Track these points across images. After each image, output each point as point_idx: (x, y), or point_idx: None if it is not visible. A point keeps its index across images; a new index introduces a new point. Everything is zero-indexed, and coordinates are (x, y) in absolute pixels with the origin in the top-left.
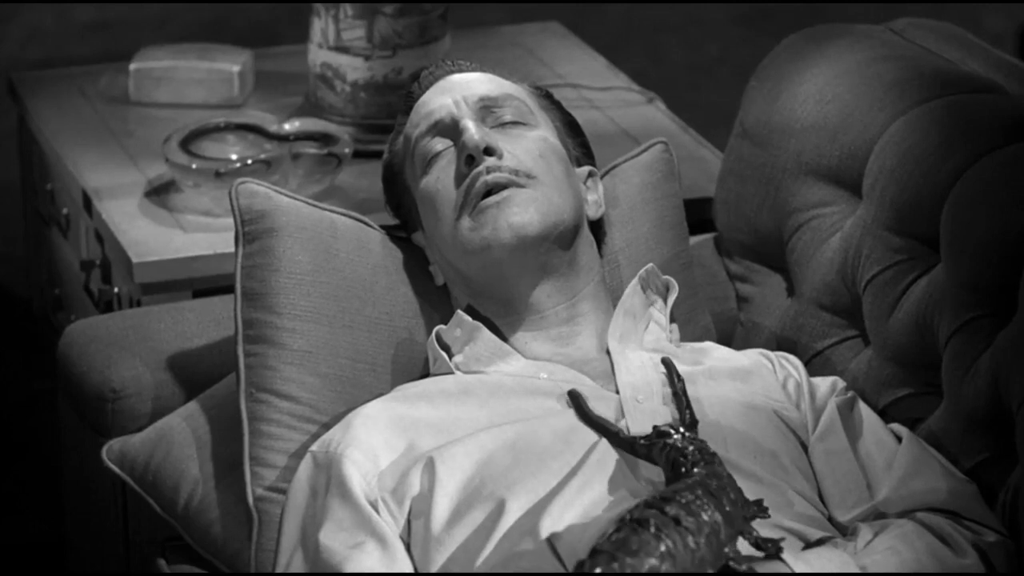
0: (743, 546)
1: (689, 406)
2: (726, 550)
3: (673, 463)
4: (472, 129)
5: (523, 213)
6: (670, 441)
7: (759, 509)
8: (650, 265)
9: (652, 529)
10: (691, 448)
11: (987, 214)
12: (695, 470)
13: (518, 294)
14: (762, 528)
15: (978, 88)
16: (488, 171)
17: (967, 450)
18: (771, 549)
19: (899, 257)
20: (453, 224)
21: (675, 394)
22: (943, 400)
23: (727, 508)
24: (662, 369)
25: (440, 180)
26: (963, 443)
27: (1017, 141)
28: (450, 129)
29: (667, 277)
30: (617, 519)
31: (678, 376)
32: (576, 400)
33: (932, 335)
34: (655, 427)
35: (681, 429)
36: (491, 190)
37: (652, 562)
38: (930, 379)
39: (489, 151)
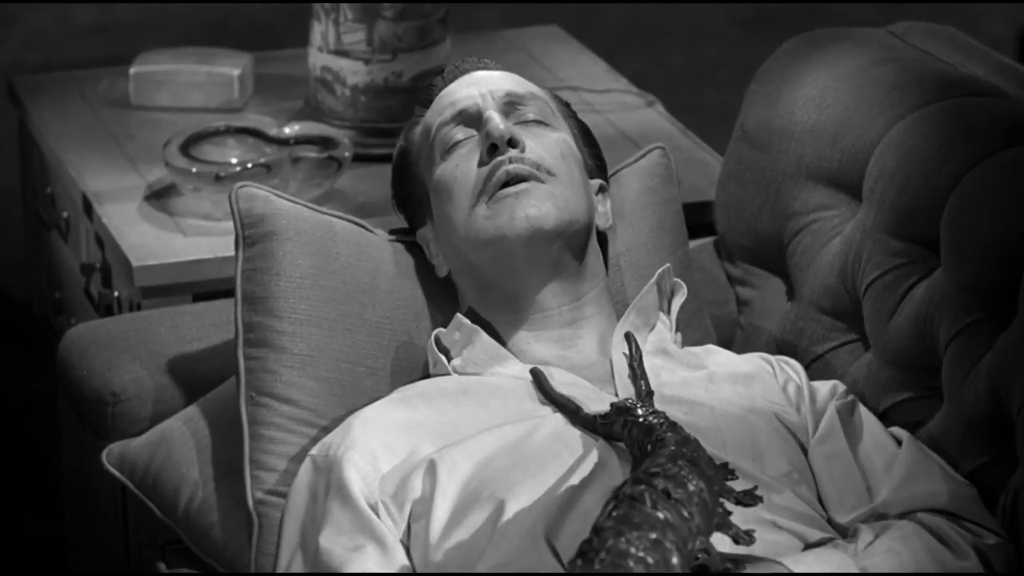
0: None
1: (644, 377)
2: (715, 519)
3: (639, 438)
4: (497, 119)
5: (540, 206)
6: (631, 417)
7: (727, 471)
8: (667, 266)
9: (648, 503)
10: (655, 420)
11: (987, 217)
12: (667, 435)
13: (525, 290)
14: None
15: (978, 91)
16: (511, 161)
17: (967, 453)
18: (750, 502)
19: (899, 260)
20: (468, 211)
21: (630, 366)
22: (943, 403)
23: (707, 472)
24: (660, 370)
25: (459, 167)
26: (963, 446)
27: (1017, 144)
28: (474, 119)
29: (676, 280)
30: (610, 497)
31: (636, 347)
32: (538, 378)
33: (932, 338)
34: (612, 404)
35: (639, 403)
36: (511, 180)
37: (655, 535)
38: (930, 382)
39: (513, 143)
